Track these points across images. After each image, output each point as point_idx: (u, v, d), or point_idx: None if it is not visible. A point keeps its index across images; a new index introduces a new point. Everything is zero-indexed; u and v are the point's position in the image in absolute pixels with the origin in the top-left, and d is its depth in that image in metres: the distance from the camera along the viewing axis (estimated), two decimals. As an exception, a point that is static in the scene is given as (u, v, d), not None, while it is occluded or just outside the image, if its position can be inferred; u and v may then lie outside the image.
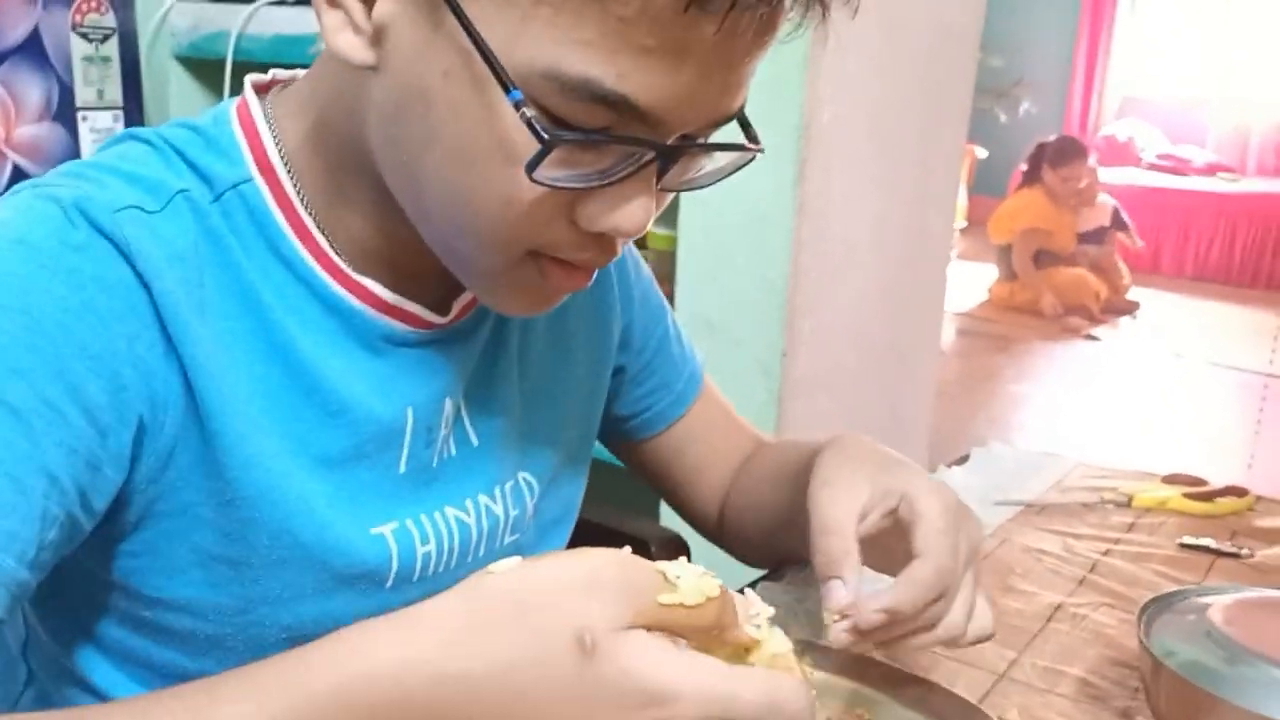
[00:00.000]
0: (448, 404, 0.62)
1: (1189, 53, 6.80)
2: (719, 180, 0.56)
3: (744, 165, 0.56)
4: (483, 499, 0.65)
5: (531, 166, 0.48)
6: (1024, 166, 5.33)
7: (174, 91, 1.79)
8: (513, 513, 0.67)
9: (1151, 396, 3.91)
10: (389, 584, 0.59)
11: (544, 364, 0.70)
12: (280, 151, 0.57)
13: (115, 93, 1.31)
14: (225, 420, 0.53)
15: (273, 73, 0.61)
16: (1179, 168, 6.37)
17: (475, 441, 0.65)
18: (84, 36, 1.25)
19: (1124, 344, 4.58)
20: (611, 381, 0.78)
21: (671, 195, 0.55)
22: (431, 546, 0.61)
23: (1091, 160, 5.16)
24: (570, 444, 0.72)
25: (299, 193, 0.57)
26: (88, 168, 0.54)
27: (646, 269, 0.82)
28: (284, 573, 0.56)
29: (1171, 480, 0.99)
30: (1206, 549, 0.87)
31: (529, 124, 0.46)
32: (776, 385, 1.37)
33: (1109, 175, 5.77)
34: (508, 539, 0.67)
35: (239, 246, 0.55)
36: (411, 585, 0.60)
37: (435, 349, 0.61)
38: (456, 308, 0.62)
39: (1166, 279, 5.92)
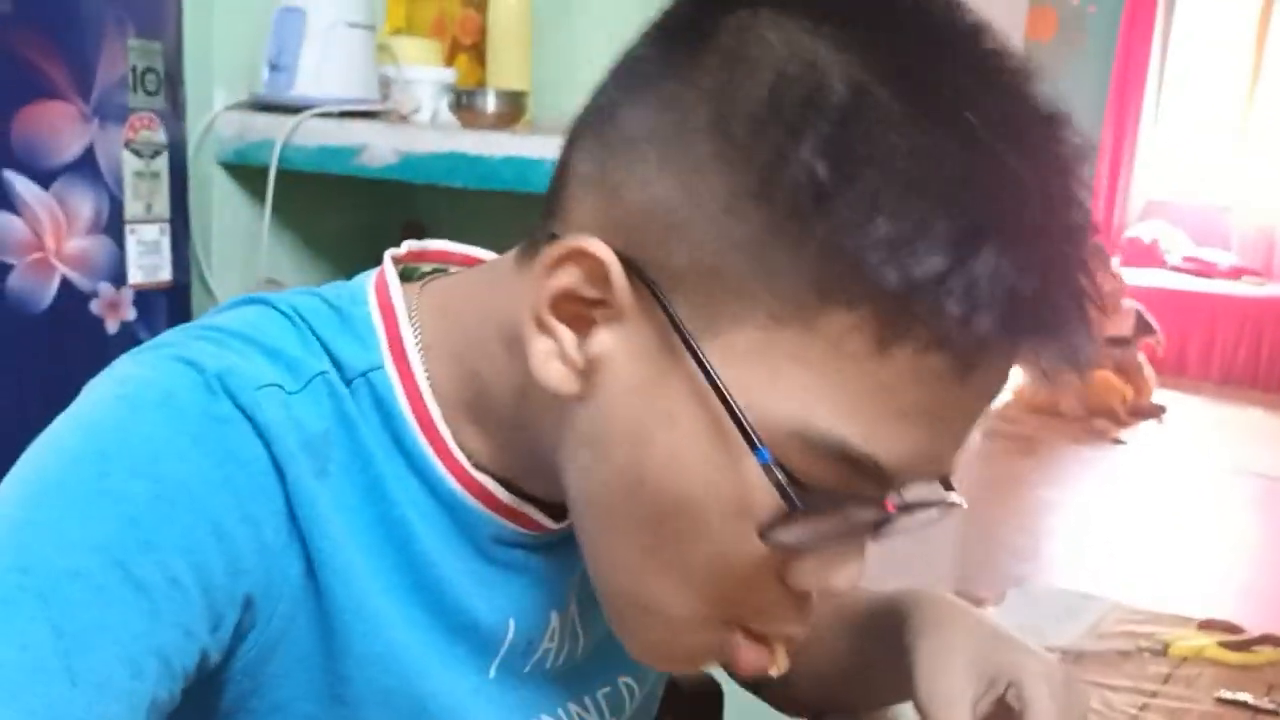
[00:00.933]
0: (554, 617, 0.58)
1: (1212, 157, 6.86)
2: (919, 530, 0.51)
3: (940, 519, 0.52)
4: (574, 707, 0.60)
5: (767, 530, 0.44)
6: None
7: (217, 198, 1.83)
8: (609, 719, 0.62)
9: (1180, 505, 3.87)
10: None
11: None
12: (419, 344, 0.53)
13: (163, 206, 1.34)
14: (352, 612, 0.50)
15: (410, 245, 0.58)
16: (1204, 270, 6.38)
17: (581, 646, 0.60)
18: (136, 153, 1.29)
19: (1151, 449, 4.55)
20: None
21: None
22: None
23: (1115, 264, 5.18)
24: None
25: (430, 380, 0.53)
26: (224, 335, 0.50)
27: None
28: None
29: (1207, 626, 0.98)
30: (1245, 705, 0.86)
31: (780, 488, 0.42)
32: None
33: (1134, 277, 5.79)
34: None
35: (370, 435, 0.51)
36: None
37: (545, 555, 0.57)
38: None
39: (1193, 382, 5.89)
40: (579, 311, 0.47)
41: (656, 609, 0.49)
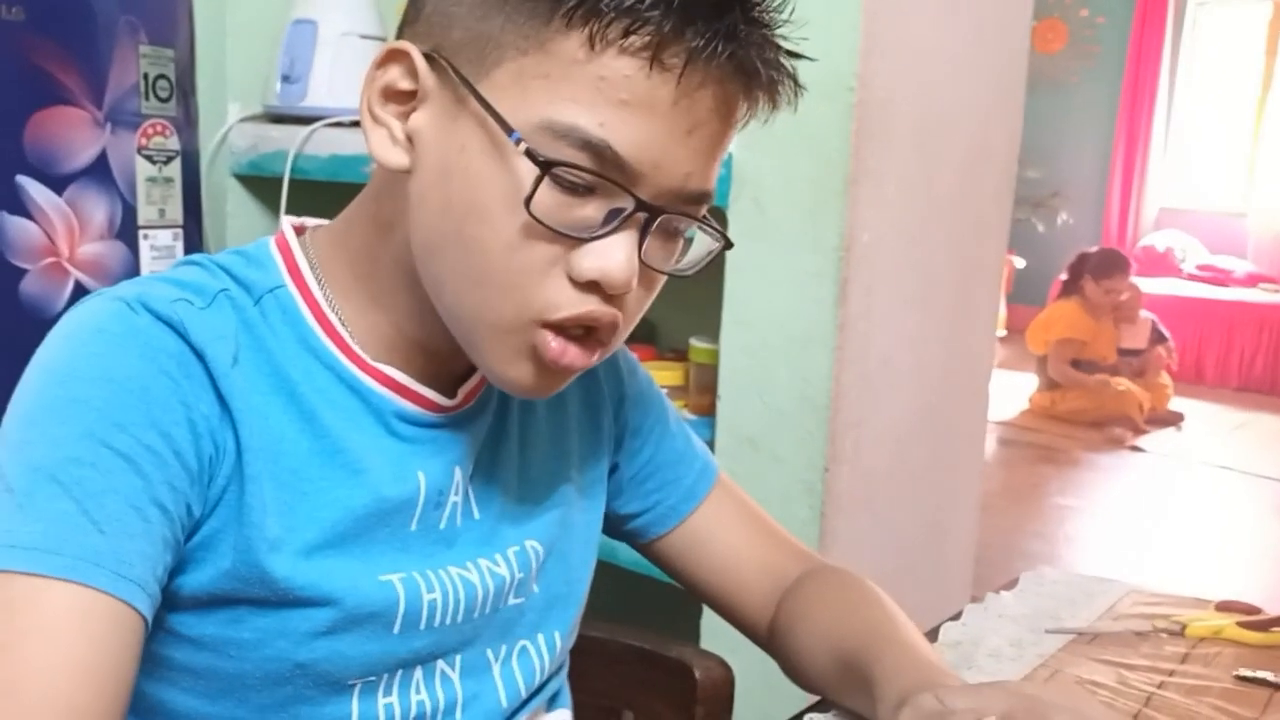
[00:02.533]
0: (456, 472, 0.70)
1: (1225, 164, 6.84)
2: (696, 269, 0.65)
3: (714, 258, 0.66)
4: (484, 562, 0.71)
5: (530, 196, 0.57)
6: (1064, 276, 5.34)
7: (231, 209, 1.85)
8: (518, 575, 0.73)
9: (1200, 510, 3.84)
10: (396, 628, 0.66)
11: (542, 453, 0.77)
12: (312, 265, 0.68)
13: (176, 211, 1.35)
14: (255, 471, 0.61)
15: (304, 219, 0.72)
16: (1219, 278, 6.35)
17: (477, 515, 0.72)
18: (149, 159, 1.30)
19: (1169, 456, 4.52)
20: (613, 480, 0.85)
21: (663, 279, 0.65)
22: (437, 595, 0.68)
23: (1132, 274, 5.16)
24: (570, 526, 0.78)
25: (326, 297, 0.67)
26: (144, 280, 0.64)
27: (644, 374, 0.88)
28: (300, 610, 0.63)
29: (1225, 608, 0.96)
30: (1264, 682, 0.85)
31: (528, 153, 0.57)
32: (819, 502, 1.36)
33: (1149, 285, 5.77)
34: (512, 600, 0.74)
35: (272, 337, 0.65)
36: (418, 632, 0.67)
37: (444, 429, 0.70)
38: (462, 393, 0.71)
39: (1210, 389, 5.85)
40: (399, 105, 0.62)
41: (479, 317, 0.62)
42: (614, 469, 0.85)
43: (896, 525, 1.57)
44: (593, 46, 0.56)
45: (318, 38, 1.74)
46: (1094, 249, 5.42)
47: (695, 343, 1.56)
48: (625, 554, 1.43)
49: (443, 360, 0.69)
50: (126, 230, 1.30)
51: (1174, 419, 5.02)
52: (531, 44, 0.57)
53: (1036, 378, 5.15)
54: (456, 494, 0.70)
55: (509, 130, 0.57)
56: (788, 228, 1.34)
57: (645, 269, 0.62)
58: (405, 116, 0.62)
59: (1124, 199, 6.96)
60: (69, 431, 0.56)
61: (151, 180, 1.32)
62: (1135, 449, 4.57)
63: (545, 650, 0.77)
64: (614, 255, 0.59)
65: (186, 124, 1.39)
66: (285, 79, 1.75)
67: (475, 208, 0.59)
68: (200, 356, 0.60)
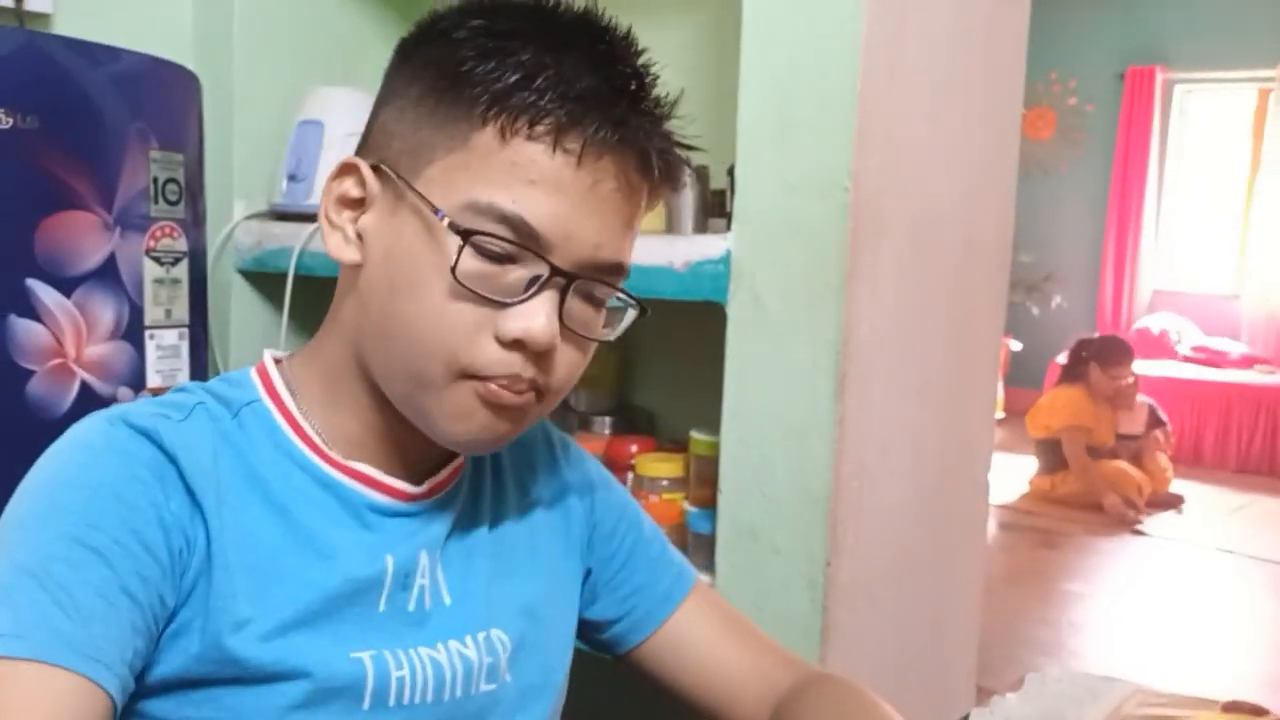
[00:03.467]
0: (423, 556, 0.75)
1: (1217, 246, 6.91)
2: (613, 336, 0.74)
3: (630, 325, 0.74)
4: (454, 644, 0.75)
5: (455, 263, 0.65)
6: (1063, 360, 5.36)
7: (235, 304, 1.87)
8: (486, 660, 0.76)
9: (1202, 594, 3.81)
10: (366, 703, 0.70)
11: (511, 547, 0.82)
12: (287, 383, 0.75)
13: (182, 311, 1.37)
14: (226, 561, 0.67)
15: (281, 353, 0.81)
16: (1214, 360, 6.37)
17: (448, 600, 0.76)
18: (156, 260, 1.33)
19: (1171, 539, 4.49)
20: (586, 585, 0.88)
21: (593, 345, 0.73)
22: (405, 673, 0.72)
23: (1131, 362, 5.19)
24: (542, 620, 0.81)
25: (300, 407, 0.74)
26: (138, 402, 0.72)
27: (617, 485, 0.92)
28: (272, 685, 0.67)
29: (1232, 709, 0.96)
30: (1273, 783, 0.84)
31: (450, 225, 0.66)
32: (820, 595, 1.36)
33: (1145, 368, 5.78)
34: (483, 686, 0.76)
35: (248, 444, 0.72)
36: (388, 710, 0.71)
37: (413, 519, 0.75)
38: (430, 484, 0.77)
39: (1209, 471, 5.83)
40: (352, 210, 0.72)
41: (419, 382, 0.69)
42: (587, 574, 0.87)
43: (899, 615, 1.56)
44: (504, 137, 0.66)
45: (324, 138, 1.78)
46: (1094, 335, 5.45)
47: (696, 435, 1.57)
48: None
49: (409, 452, 0.75)
50: (133, 331, 1.32)
51: (1174, 501, 5.00)
52: (456, 142, 0.67)
53: (1036, 461, 5.14)
54: (424, 577, 0.75)
55: (436, 210, 0.67)
56: (786, 322, 1.36)
57: (570, 333, 0.70)
58: (356, 220, 0.72)
59: (1117, 281, 7.02)
60: (49, 534, 0.62)
61: (159, 281, 1.34)
62: (1137, 532, 4.54)
63: None
64: (535, 317, 0.67)
65: (194, 224, 1.41)
66: (291, 178, 1.79)
67: (412, 281, 0.68)
68: (173, 460, 0.67)
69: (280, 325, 1.77)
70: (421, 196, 0.67)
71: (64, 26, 1.73)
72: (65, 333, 1.25)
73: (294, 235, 1.75)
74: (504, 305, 0.67)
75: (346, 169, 0.72)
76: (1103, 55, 6.87)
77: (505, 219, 0.66)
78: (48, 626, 0.59)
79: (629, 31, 0.72)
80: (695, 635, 0.87)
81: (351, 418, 0.75)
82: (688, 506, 1.55)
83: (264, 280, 1.88)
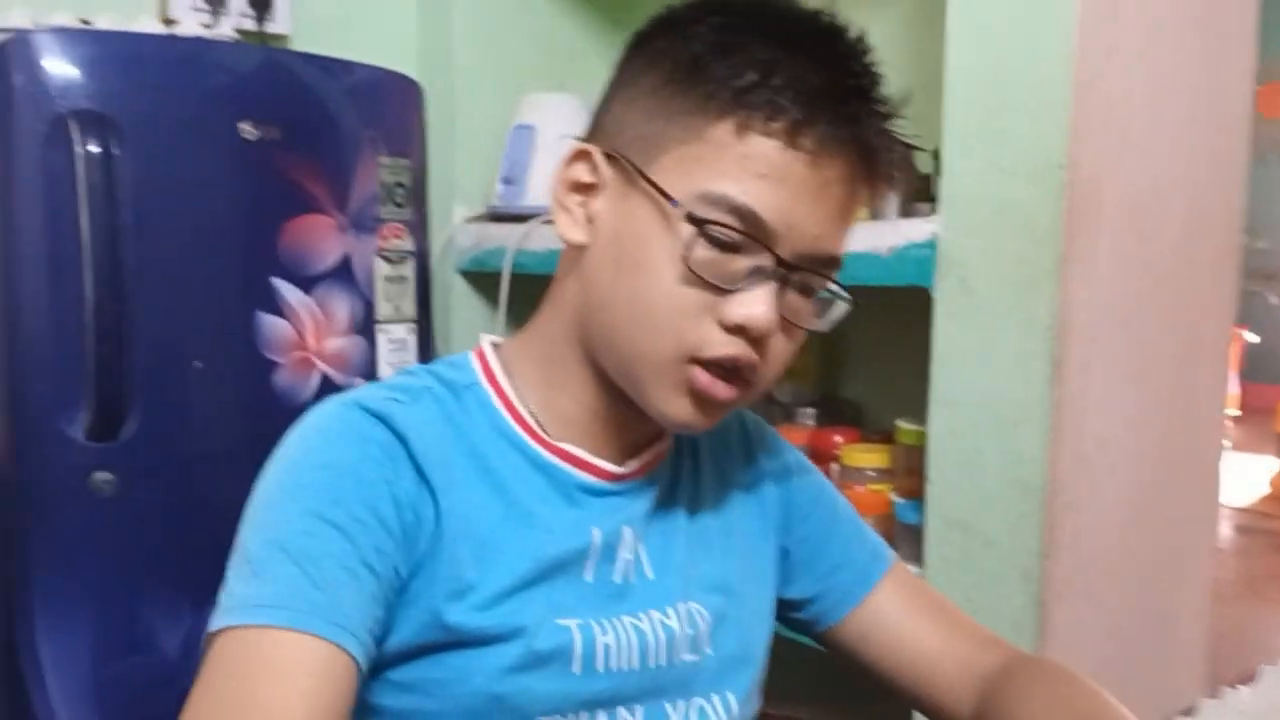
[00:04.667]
0: (627, 531, 0.78)
1: None
2: (828, 326, 0.76)
3: (842, 317, 0.76)
4: (655, 614, 0.78)
5: (688, 249, 0.69)
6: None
7: (456, 302, 1.97)
8: (687, 631, 0.79)
9: None
10: (575, 667, 0.74)
11: (708, 526, 0.84)
12: (504, 365, 0.79)
13: (409, 307, 1.46)
14: (453, 532, 0.72)
15: (498, 338, 0.85)
16: None
17: (650, 574, 0.79)
18: (386, 259, 1.42)
19: None
20: (784, 565, 0.89)
21: (803, 333, 0.75)
22: (610, 640, 0.76)
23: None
24: (740, 596, 0.83)
25: (515, 389, 0.78)
26: (370, 385, 0.78)
27: (815, 474, 0.93)
28: (491, 648, 0.72)
29: None
30: None
31: (687, 216, 0.69)
32: (1036, 590, 1.32)
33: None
34: (686, 656, 0.79)
35: (470, 425, 0.76)
36: (597, 675, 0.75)
37: (618, 496, 0.79)
38: (635, 464, 0.80)
39: None
40: (583, 194, 0.75)
41: (641, 356, 0.72)
42: (785, 554, 0.89)
43: (1119, 614, 1.50)
44: (739, 132, 0.69)
45: (537, 142, 1.85)
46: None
47: (901, 424, 1.55)
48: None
49: (617, 432, 0.79)
50: (366, 326, 1.42)
51: None
52: (690, 134, 0.70)
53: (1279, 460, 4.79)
54: (628, 552, 0.78)
55: (671, 199, 0.69)
56: (996, 308, 1.33)
57: (785, 322, 0.72)
58: (585, 203, 0.75)
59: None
60: (296, 509, 0.68)
61: (389, 279, 1.43)
62: (1396, 538, 4.17)
63: (723, 712, 0.81)
64: (757, 304, 0.70)
65: (419, 226, 1.50)
66: (506, 181, 1.87)
67: (641, 263, 0.71)
68: (403, 441, 0.72)
69: (497, 321, 1.85)
70: (656, 186, 0.70)
71: (301, 45, 1.87)
72: (307, 327, 1.36)
73: (510, 236, 1.83)
74: (728, 292, 0.70)
75: (580, 155, 0.76)
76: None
77: (735, 210, 0.68)
78: (302, 597, 0.65)
79: (860, 33, 0.74)
80: (894, 615, 0.87)
81: (567, 397, 0.78)
82: (894, 497, 1.53)
83: (482, 279, 1.97)
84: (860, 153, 0.71)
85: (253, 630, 0.64)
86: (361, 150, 1.40)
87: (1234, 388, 5.35)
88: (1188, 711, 0.88)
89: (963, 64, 1.33)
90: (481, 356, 0.80)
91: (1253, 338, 6.19)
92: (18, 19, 1.30)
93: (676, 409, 0.73)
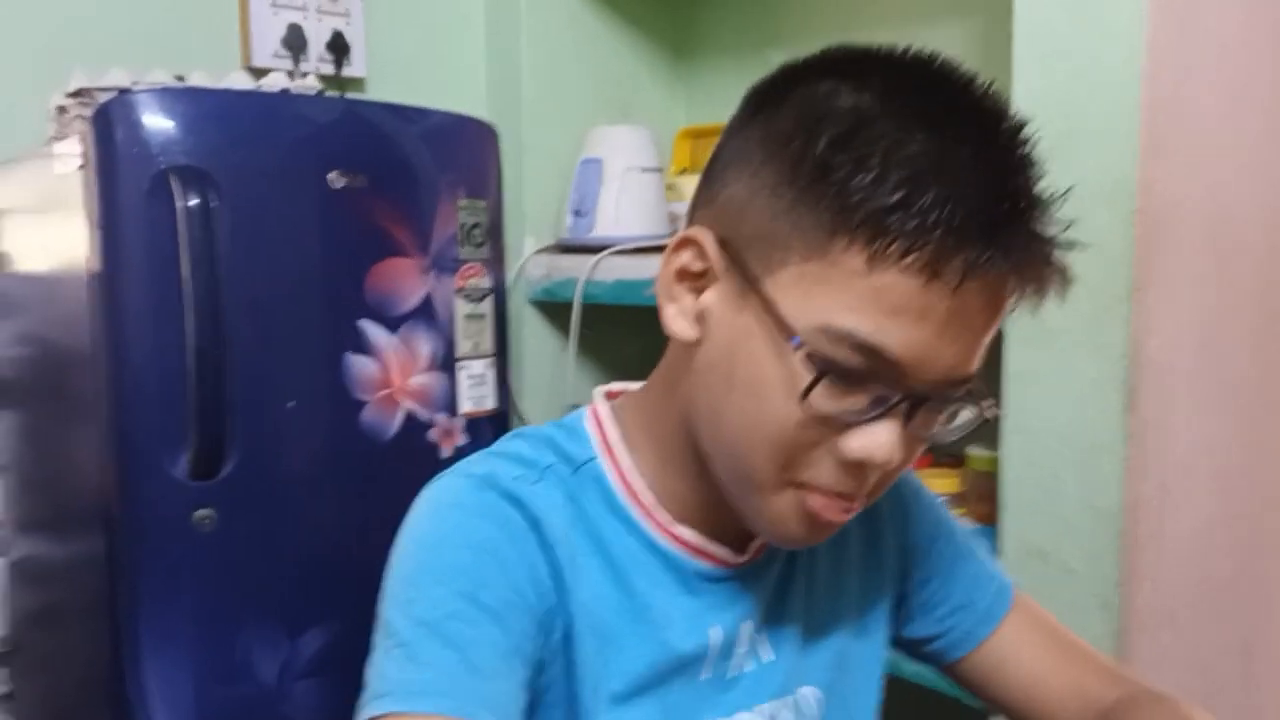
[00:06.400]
0: (746, 626, 0.75)
1: None
2: (960, 436, 0.68)
3: (980, 423, 0.68)
4: (768, 706, 0.76)
5: (806, 393, 0.61)
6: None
7: (528, 333, 2.01)
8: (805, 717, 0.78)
9: None
10: None
11: (824, 596, 0.81)
12: (621, 436, 0.75)
13: (487, 343, 1.50)
14: (582, 623, 0.69)
15: (611, 385, 0.81)
16: None
17: (765, 659, 0.77)
18: (466, 298, 1.46)
19: None
20: (903, 608, 0.87)
21: (923, 445, 0.68)
22: None
23: None
24: (849, 667, 0.81)
25: (635, 464, 0.74)
26: (485, 457, 0.75)
27: (928, 496, 0.90)
28: None
29: None
30: None
31: (807, 358, 0.61)
32: (1116, 618, 1.32)
33: None
34: None
35: (589, 504, 0.73)
36: None
37: (736, 584, 0.75)
38: (752, 549, 0.76)
39: None
40: (692, 283, 0.68)
41: (749, 476, 0.67)
42: (902, 598, 0.87)
43: (1205, 644, 1.48)
44: (872, 264, 0.59)
45: (604, 174, 1.89)
46: None
47: (973, 451, 1.56)
48: (909, 668, 1.43)
49: (733, 518, 0.72)
50: (447, 362, 1.46)
51: None
52: (815, 253, 0.61)
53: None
54: (743, 645, 0.76)
55: (790, 334, 0.62)
56: (1069, 335, 1.33)
57: (908, 437, 0.65)
58: (697, 293, 0.68)
59: None
60: (445, 591, 0.65)
61: (469, 317, 1.48)
62: None
63: None
64: (879, 439, 0.63)
65: (496, 263, 1.55)
66: (576, 213, 1.91)
67: (755, 387, 0.64)
68: (536, 526, 0.69)
69: (568, 351, 1.89)
70: (774, 312, 0.62)
71: (377, 88, 1.93)
72: (392, 366, 1.40)
73: (579, 267, 1.87)
74: (848, 425, 0.63)
75: (688, 242, 0.68)
76: None
77: (862, 347, 0.60)
78: (464, 684, 0.62)
79: (1022, 122, 0.64)
80: (1016, 654, 0.86)
81: (680, 480, 0.74)
82: (969, 522, 1.54)
83: (553, 309, 2.01)
84: (1014, 278, 0.61)
85: (417, 719, 0.62)
86: (440, 194, 1.45)
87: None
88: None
89: (1031, 88, 1.34)
90: (598, 422, 0.76)
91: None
92: (116, 78, 1.37)
93: (784, 531, 0.69)
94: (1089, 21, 1.29)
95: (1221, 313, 1.45)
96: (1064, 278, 0.63)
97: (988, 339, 0.64)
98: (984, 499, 1.50)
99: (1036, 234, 0.61)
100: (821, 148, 0.60)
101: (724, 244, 0.66)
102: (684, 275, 0.68)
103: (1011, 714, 0.87)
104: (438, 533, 0.69)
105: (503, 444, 0.76)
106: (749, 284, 0.64)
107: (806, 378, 0.61)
